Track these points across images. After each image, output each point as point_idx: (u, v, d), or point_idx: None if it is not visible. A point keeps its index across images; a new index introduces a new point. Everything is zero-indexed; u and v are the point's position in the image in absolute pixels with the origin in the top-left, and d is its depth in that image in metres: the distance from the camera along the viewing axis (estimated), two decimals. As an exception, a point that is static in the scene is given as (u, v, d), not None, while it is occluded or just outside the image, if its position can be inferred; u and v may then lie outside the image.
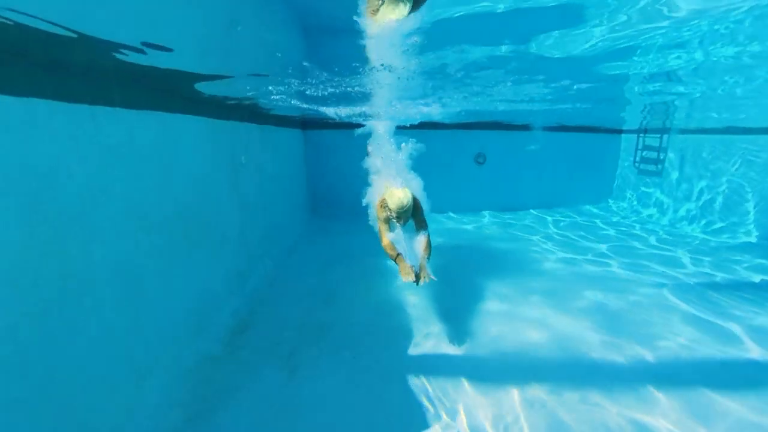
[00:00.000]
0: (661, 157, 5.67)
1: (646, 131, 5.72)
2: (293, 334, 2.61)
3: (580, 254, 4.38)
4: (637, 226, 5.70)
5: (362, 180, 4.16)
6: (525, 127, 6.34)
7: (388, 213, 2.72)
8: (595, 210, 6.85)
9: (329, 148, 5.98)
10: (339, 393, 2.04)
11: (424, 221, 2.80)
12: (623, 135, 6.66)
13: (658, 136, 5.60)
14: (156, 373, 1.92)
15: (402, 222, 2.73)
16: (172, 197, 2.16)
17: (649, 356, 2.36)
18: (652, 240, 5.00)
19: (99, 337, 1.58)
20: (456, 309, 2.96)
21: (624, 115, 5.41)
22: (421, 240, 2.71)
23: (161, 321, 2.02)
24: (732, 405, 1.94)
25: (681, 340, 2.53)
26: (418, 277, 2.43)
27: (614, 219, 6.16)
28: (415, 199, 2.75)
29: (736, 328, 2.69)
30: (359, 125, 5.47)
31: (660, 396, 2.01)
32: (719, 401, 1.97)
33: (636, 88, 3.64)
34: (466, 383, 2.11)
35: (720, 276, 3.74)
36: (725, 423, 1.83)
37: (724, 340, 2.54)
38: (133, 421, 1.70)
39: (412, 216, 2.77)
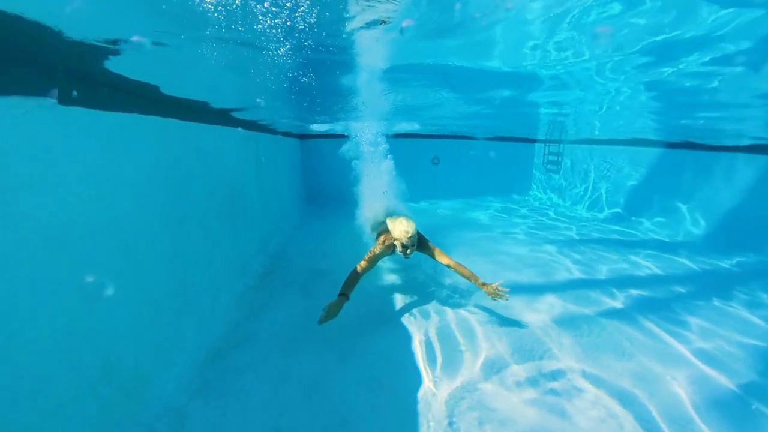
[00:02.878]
0: (559, 160, 7.14)
1: (549, 141, 7.14)
2: (304, 275, 3.48)
3: (509, 222, 5.59)
4: (543, 207, 7.10)
5: (345, 177, 5.01)
6: (469, 137, 7.55)
7: (392, 248, 2.49)
8: (517, 197, 8.30)
9: (319, 153, 6.81)
10: (344, 314, 2.92)
11: (439, 249, 2.55)
12: (536, 144, 8.12)
13: (557, 144, 7.03)
14: (223, 292, 2.74)
15: (409, 252, 2.43)
16: (225, 183, 2.96)
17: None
18: (551, 214, 6.39)
19: (196, 264, 2.38)
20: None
21: (536, 128, 6.69)
22: (460, 269, 2.45)
23: (223, 261, 2.83)
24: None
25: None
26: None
27: (530, 202, 7.56)
28: (420, 233, 2.52)
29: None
30: (342, 135, 6.33)
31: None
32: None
33: (541, 109, 4.43)
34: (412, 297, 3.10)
35: (591, 235, 5.10)
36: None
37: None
38: (215, 315, 2.53)
39: (423, 249, 2.55)
